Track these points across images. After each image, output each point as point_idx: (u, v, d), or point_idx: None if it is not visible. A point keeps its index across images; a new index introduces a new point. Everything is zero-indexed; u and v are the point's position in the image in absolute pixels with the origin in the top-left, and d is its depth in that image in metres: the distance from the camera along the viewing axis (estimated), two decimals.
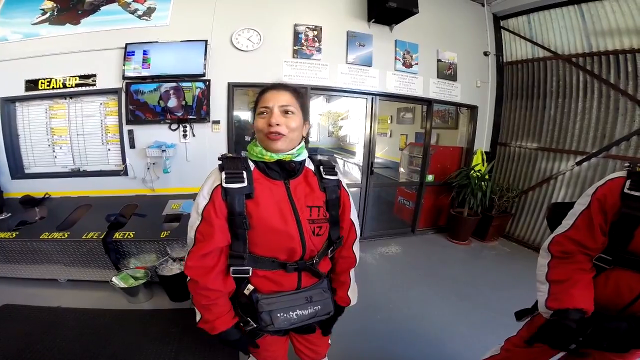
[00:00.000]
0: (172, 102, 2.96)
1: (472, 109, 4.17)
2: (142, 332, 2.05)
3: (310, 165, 1.09)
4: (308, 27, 3.27)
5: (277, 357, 1.23)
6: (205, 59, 2.94)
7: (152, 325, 2.12)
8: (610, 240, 1.00)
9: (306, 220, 0.99)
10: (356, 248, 1.19)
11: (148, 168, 3.12)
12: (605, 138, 3.22)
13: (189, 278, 0.96)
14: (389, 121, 6.35)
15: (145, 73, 2.89)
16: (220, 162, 0.98)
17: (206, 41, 2.96)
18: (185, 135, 3.12)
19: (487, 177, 3.86)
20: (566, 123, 3.57)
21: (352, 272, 1.23)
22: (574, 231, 1.05)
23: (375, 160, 3.91)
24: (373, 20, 3.45)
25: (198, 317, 1.02)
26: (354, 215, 1.15)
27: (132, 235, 2.43)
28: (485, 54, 4.15)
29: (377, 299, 2.59)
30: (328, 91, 3.62)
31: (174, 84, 2.93)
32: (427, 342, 2.09)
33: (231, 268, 0.97)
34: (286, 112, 0.96)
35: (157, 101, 2.93)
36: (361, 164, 4.00)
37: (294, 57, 3.27)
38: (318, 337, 1.27)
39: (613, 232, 0.99)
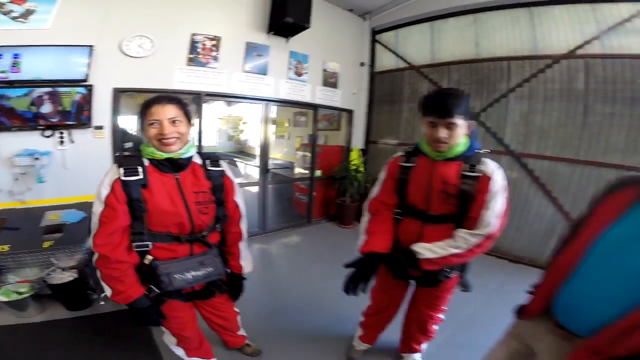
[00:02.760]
0: (47, 108, 2.74)
1: (350, 113, 4.91)
2: (44, 343, 1.96)
3: (198, 159, 1.32)
4: (207, 37, 3.32)
5: (186, 323, 1.42)
6: (88, 64, 2.81)
7: (55, 335, 2.04)
8: (399, 198, 1.47)
9: (193, 203, 1.25)
10: (243, 225, 1.47)
11: (16, 179, 2.79)
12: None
13: (97, 256, 1.13)
14: (287, 124, 6.68)
15: (13, 77, 2.61)
16: (117, 158, 1.19)
17: (91, 47, 2.83)
18: (62, 142, 2.90)
19: (361, 169, 4.60)
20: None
21: (242, 245, 1.50)
22: (379, 194, 1.55)
23: (275, 161, 4.27)
24: (272, 32, 3.71)
25: (109, 293, 1.18)
26: (238, 198, 1.43)
27: (7, 249, 2.24)
28: (362, 64, 4.84)
29: (283, 282, 2.99)
30: (224, 97, 3.81)
31: (48, 89, 2.72)
32: (328, 309, 2.49)
33: (134, 244, 1.18)
34: (174, 122, 1.18)
35: (27, 107, 2.68)
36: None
37: (188, 64, 3.26)
38: (221, 302, 1.50)
39: (398, 193, 1.46)
